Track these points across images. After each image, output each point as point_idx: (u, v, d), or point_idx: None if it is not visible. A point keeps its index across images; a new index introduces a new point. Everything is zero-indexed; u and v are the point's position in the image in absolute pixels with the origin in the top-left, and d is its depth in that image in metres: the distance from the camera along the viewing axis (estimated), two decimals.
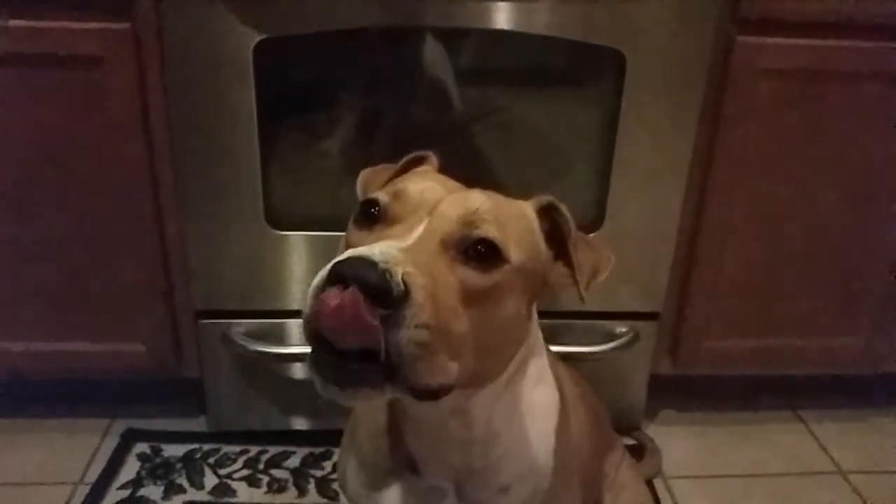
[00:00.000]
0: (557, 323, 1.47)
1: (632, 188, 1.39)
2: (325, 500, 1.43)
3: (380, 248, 0.59)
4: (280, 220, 1.39)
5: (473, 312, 0.64)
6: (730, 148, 1.38)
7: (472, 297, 0.64)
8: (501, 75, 1.43)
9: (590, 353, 1.49)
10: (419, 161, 0.84)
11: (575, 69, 1.44)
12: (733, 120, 1.36)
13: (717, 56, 1.32)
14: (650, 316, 1.52)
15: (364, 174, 0.87)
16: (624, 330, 1.51)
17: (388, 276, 0.56)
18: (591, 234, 1.41)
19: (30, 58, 1.26)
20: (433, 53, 1.35)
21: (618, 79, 1.31)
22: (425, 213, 0.67)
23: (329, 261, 0.60)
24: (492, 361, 0.71)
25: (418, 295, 0.58)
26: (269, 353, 1.44)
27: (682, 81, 1.32)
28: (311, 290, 0.59)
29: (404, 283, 0.57)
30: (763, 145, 1.39)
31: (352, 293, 0.55)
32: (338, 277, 0.56)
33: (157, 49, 1.27)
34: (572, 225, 0.74)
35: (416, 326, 0.57)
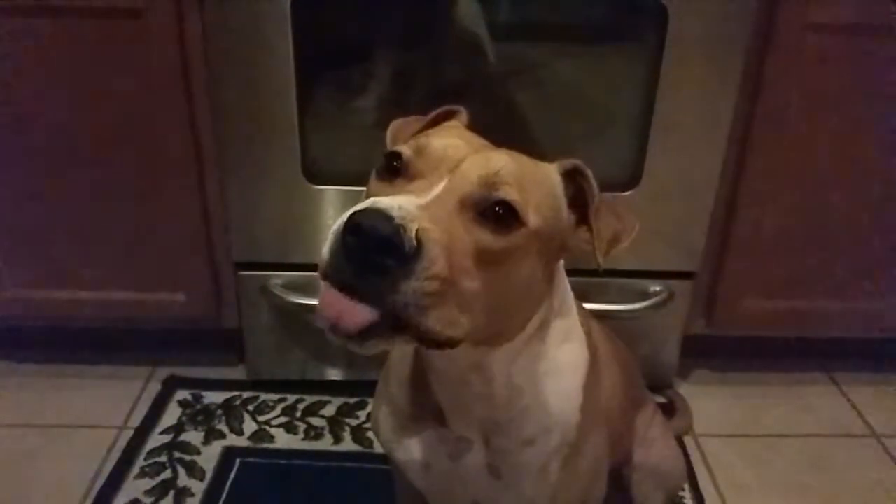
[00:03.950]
0: (592, 281, 1.46)
1: (670, 146, 1.37)
2: (359, 448, 1.46)
3: (399, 203, 0.59)
4: (317, 174, 1.40)
5: (487, 273, 0.63)
6: (772, 105, 1.35)
7: (486, 258, 0.63)
8: (538, 30, 1.40)
9: (624, 312, 1.49)
10: (449, 115, 0.83)
11: (615, 23, 1.40)
12: (777, 76, 1.33)
13: (763, 8, 1.29)
14: (686, 275, 1.51)
15: (394, 125, 0.86)
16: (659, 289, 1.51)
17: (402, 230, 0.56)
18: (627, 193, 1.40)
19: (69, 10, 1.27)
20: (468, 7, 1.33)
21: (659, 33, 1.28)
22: (447, 171, 0.66)
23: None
24: (505, 321, 0.71)
25: (432, 249, 0.58)
26: (306, 304, 1.46)
27: (725, 35, 1.29)
28: (330, 236, 0.59)
29: (418, 239, 0.57)
30: (807, 102, 1.35)
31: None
32: (353, 226, 0.56)
33: (195, 1, 1.27)
34: (596, 190, 0.72)
35: (426, 278, 0.57)
